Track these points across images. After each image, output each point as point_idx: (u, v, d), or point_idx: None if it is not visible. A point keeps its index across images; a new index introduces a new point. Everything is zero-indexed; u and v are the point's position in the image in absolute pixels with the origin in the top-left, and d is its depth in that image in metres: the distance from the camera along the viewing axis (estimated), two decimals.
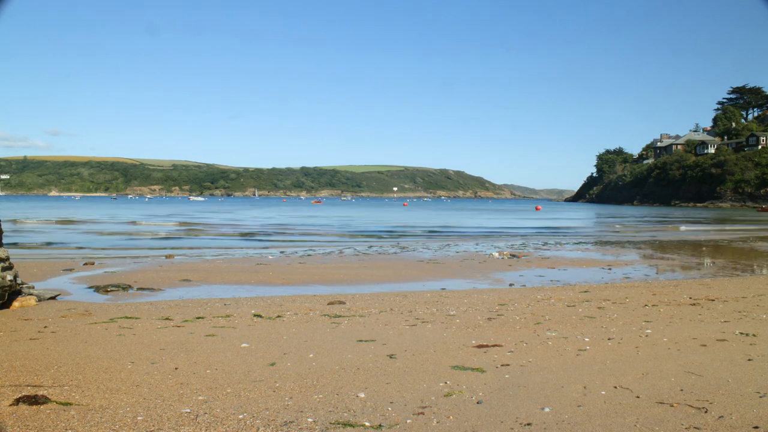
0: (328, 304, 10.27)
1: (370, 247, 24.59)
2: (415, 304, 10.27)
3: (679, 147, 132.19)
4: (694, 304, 10.03)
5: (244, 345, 6.68)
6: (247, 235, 32.58)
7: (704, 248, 25.06)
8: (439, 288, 13.01)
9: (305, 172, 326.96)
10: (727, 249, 24.88)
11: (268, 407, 4.50)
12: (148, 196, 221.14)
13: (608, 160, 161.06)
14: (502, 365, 5.84)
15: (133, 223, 44.50)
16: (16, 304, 9.23)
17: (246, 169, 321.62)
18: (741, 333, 7.41)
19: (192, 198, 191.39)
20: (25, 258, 17.59)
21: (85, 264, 16.52)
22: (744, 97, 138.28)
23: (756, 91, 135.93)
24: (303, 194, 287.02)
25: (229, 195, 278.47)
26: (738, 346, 6.69)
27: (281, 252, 21.82)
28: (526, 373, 5.58)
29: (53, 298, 10.38)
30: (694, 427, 4.04)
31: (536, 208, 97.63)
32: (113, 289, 12.08)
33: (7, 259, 9.10)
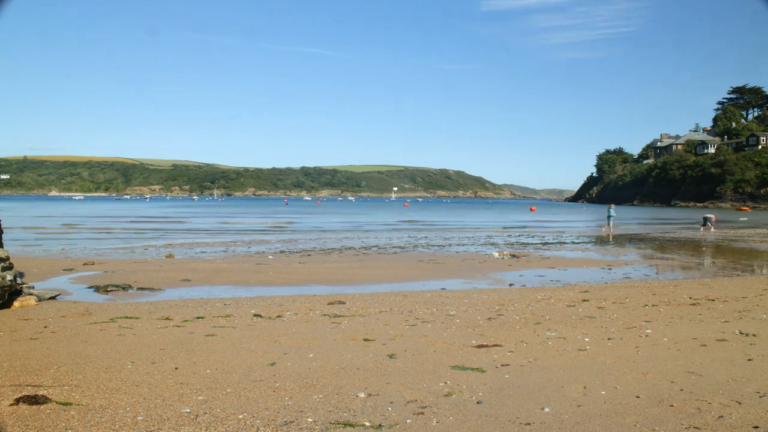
0: (328, 304, 10.26)
1: (371, 247, 24.58)
2: (415, 304, 10.27)
3: (679, 147, 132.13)
4: (694, 304, 10.03)
5: (244, 345, 6.68)
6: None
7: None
8: (439, 288, 13.00)
9: (305, 172, 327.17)
10: None
11: (268, 407, 4.49)
12: (147, 196, 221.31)
13: (608, 160, 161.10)
14: (502, 365, 5.84)
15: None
16: (16, 304, 9.23)
17: (246, 169, 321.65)
18: (741, 333, 7.41)
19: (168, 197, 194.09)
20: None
21: (85, 264, 16.52)
22: (744, 97, 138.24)
23: (756, 91, 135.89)
24: (304, 194, 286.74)
25: (228, 195, 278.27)
26: (738, 346, 6.69)
27: (281, 251, 21.81)
28: (526, 373, 5.58)
29: (53, 298, 10.37)
30: (694, 427, 4.04)
31: (530, 209, 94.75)
32: (113, 289, 12.08)
33: (7, 259, 9.10)
